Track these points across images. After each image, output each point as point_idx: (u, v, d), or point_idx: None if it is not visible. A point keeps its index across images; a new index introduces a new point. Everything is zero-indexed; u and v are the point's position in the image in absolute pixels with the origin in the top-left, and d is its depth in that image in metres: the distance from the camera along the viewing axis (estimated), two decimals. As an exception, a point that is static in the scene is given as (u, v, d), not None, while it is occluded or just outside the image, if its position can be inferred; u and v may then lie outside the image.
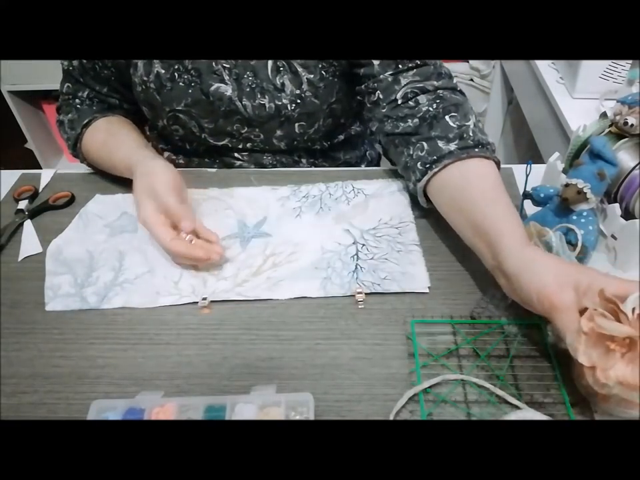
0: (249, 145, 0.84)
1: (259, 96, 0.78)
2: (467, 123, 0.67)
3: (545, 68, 1.14)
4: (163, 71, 0.76)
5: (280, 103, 0.78)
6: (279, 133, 0.82)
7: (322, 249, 0.68)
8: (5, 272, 0.68)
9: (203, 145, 0.85)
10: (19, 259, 0.69)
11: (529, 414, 0.47)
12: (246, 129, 0.81)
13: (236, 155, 0.86)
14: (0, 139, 1.91)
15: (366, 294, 0.62)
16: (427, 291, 0.63)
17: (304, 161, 0.88)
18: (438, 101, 0.69)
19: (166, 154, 0.92)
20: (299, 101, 0.78)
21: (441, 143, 0.65)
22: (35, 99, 1.85)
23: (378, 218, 0.72)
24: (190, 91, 0.77)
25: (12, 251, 0.71)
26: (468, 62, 1.67)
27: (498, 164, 0.66)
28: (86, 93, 0.83)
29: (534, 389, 0.53)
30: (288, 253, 0.68)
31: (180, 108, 0.78)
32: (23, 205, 0.77)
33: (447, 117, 0.67)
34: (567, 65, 1.06)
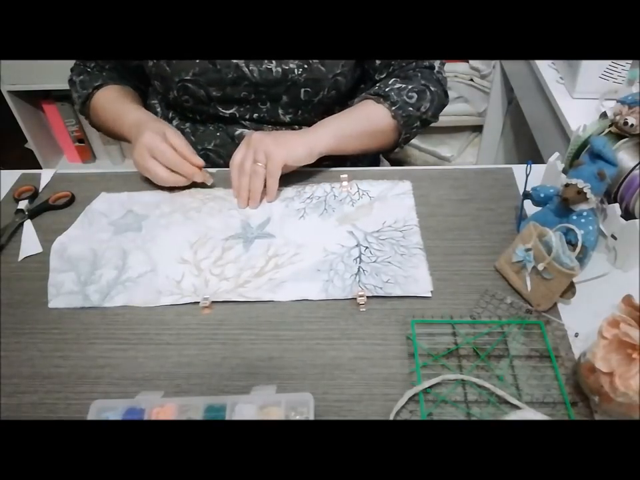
0: (255, 115, 0.86)
1: (265, 61, 0.79)
2: (410, 101, 0.82)
3: (545, 68, 1.14)
4: None
5: (287, 67, 0.79)
6: (284, 99, 0.83)
7: (325, 251, 0.68)
8: (5, 272, 0.68)
9: (211, 116, 0.87)
10: (19, 259, 0.69)
11: (529, 414, 0.47)
12: (253, 95, 0.83)
13: (242, 122, 0.87)
14: (0, 139, 1.91)
15: (368, 297, 0.62)
16: (430, 295, 0.62)
17: None
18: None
19: (174, 122, 0.93)
20: (305, 66, 0.79)
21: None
22: (35, 98, 1.85)
23: (382, 220, 0.72)
24: (197, 60, 0.79)
25: (12, 251, 0.71)
26: (468, 62, 1.66)
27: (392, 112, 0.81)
28: (92, 64, 0.92)
29: (534, 388, 0.53)
30: (291, 254, 0.68)
31: (188, 77, 0.80)
32: (23, 205, 0.77)
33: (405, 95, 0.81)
34: (567, 65, 1.06)
